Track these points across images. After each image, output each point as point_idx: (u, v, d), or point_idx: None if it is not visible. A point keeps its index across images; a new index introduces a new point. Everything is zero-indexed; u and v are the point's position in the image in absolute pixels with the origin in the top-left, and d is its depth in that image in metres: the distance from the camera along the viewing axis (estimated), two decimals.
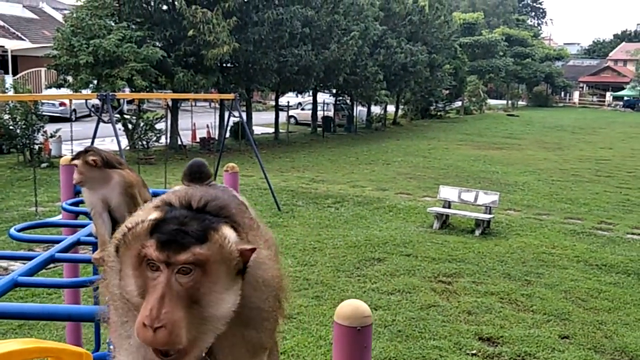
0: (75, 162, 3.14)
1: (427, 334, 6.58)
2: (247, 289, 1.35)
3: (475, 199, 11.59)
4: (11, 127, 16.55)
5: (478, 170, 19.29)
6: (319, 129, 29.47)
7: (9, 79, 23.03)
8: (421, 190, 15.51)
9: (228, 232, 1.33)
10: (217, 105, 20.35)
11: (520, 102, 62.34)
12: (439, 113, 42.11)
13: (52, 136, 17.88)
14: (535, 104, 62.92)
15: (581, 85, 71.29)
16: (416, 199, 14.41)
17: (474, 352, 6.20)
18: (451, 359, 6.00)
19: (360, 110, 33.50)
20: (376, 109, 35.33)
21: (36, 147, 17.27)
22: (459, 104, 46.03)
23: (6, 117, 16.53)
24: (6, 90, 18.76)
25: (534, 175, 18.56)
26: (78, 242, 3.28)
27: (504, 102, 58.93)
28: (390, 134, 30.94)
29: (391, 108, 36.90)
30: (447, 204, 11.84)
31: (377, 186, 15.87)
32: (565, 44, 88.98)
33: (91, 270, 3.82)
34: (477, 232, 11.15)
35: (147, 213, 1.35)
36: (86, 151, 3.20)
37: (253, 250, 1.34)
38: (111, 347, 2.16)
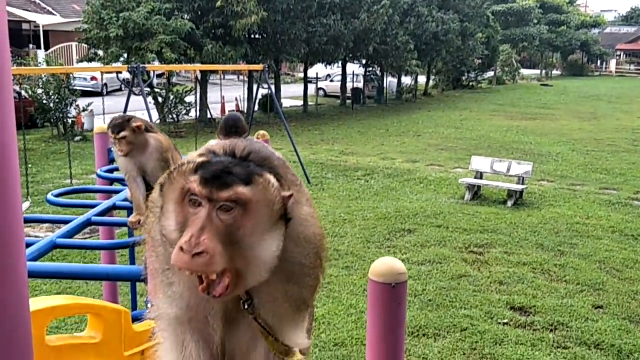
0: (123, 134, 3.07)
1: (458, 303, 6.56)
2: (289, 243, 1.35)
3: (508, 169, 11.42)
4: (45, 102, 16.82)
5: (511, 141, 18.98)
6: (348, 101, 29.24)
7: (41, 54, 23.34)
8: (453, 161, 15.34)
9: (272, 179, 1.34)
10: (246, 78, 20.32)
11: (554, 72, 60.88)
12: (471, 83, 41.39)
13: (84, 110, 18.13)
14: (570, 73, 61.35)
15: (618, 53, 69.20)
16: (447, 170, 14.26)
17: (505, 321, 6.16)
18: (482, 328, 5.98)
19: (390, 82, 33.11)
20: (407, 80, 34.88)
21: (69, 121, 17.54)
22: (491, 74, 45.12)
23: (40, 91, 16.79)
24: (39, 65, 19.02)
25: (568, 146, 18.19)
26: (114, 207, 3.33)
27: (538, 71, 57.59)
28: (422, 105, 30.58)
29: (422, 79, 36.40)
30: (479, 175, 11.70)
31: (408, 158, 15.75)
32: (602, 11, 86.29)
33: (127, 234, 3.89)
34: (510, 203, 11.01)
35: (192, 159, 1.36)
36: (128, 119, 3.18)
37: (291, 196, 1.34)
38: (148, 305, 2.20)
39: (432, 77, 37.79)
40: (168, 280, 1.38)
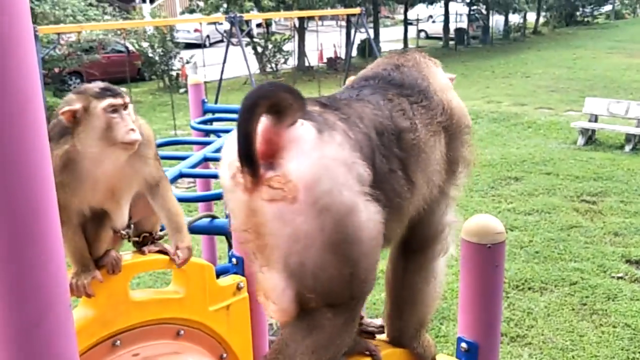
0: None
1: (568, 255, 6.20)
2: None
3: (626, 111, 10.52)
4: (150, 55, 17.41)
5: (630, 80, 17.48)
6: (451, 42, 28.09)
7: (146, 8, 24.11)
8: (564, 104, 14.40)
9: None
10: (344, 23, 19.96)
11: None
12: (585, 19, 38.35)
13: (187, 62, 18.62)
14: None
15: None
16: (558, 113, 13.41)
17: (619, 275, 5.75)
18: (594, 282, 5.61)
19: (496, 20, 31.37)
20: (514, 18, 32.87)
21: (174, 73, 18.10)
22: (609, 7, 41.50)
23: (145, 45, 17.38)
24: (144, 19, 19.67)
25: None
26: (205, 159, 3.32)
27: None
28: (530, 44, 28.80)
29: (531, 16, 34.18)
30: (594, 118, 10.89)
31: (515, 101, 14.95)
32: None
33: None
34: (627, 148, 10.20)
35: None
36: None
37: None
38: (233, 259, 2.17)
39: (543, 14, 35.37)
40: None
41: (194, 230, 2.37)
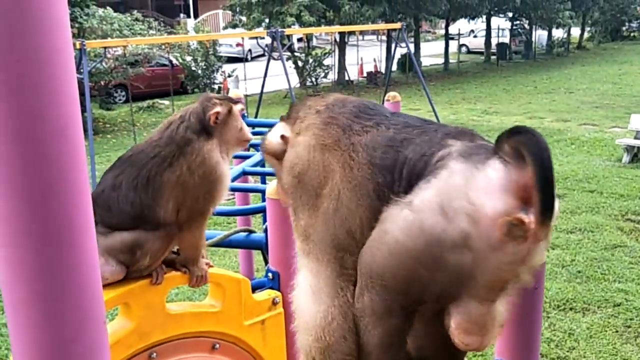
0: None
1: (611, 275, 6.02)
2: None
3: None
4: (193, 68, 17.72)
5: None
6: (492, 57, 27.77)
7: (190, 22, 24.60)
8: (609, 120, 14.05)
9: (272, 131, 1.78)
10: (384, 38, 19.97)
11: None
12: (632, 34, 37.42)
13: (229, 76, 18.88)
14: None
15: None
16: (603, 130, 13.09)
17: None
18: (639, 304, 5.43)
19: (539, 35, 30.90)
20: (558, 33, 32.33)
21: (216, 86, 18.38)
22: None
23: (189, 58, 17.71)
24: (188, 33, 20.06)
25: None
26: (243, 173, 3.35)
27: None
28: (574, 59, 28.27)
29: (576, 31, 33.57)
30: None
31: (558, 117, 14.67)
32: None
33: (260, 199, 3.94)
34: None
35: None
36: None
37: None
38: (269, 274, 2.18)
39: (587, 29, 34.70)
40: None
41: (231, 244, 2.39)
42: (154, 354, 1.77)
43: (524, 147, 1.26)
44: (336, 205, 1.50)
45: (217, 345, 1.91)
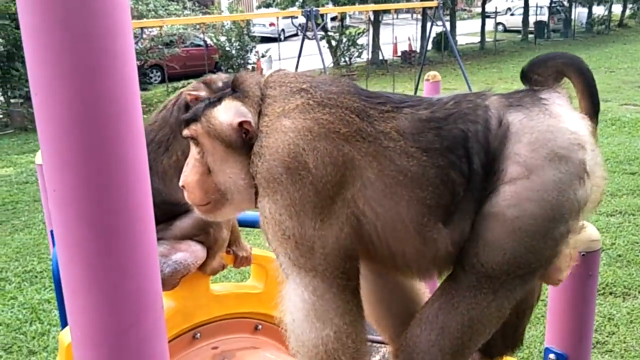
0: None
1: None
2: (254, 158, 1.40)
3: None
4: (227, 48, 17.75)
5: None
6: (530, 35, 27.13)
7: (224, 2, 24.59)
8: None
9: (219, 112, 1.43)
10: (419, 16, 19.66)
11: None
12: None
13: (263, 56, 18.86)
14: None
15: None
16: None
17: None
18: None
19: (579, 12, 30.04)
20: (599, 10, 31.39)
21: (250, 66, 18.39)
22: None
23: (223, 38, 17.74)
24: (222, 13, 20.06)
25: None
26: None
27: None
28: (615, 37, 27.43)
29: (617, 8, 32.53)
30: None
31: (599, 97, 14.30)
32: None
33: None
34: None
35: None
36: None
37: (244, 122, 1.39)
38: None
39: (629, 6, 33.58)
40: None
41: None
42: (198, 334, 1.78)
43: (569, 66, 1.47)
44: (368, 206, 1.32)
45: (260, 326, 1.92)
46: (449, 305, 1.35)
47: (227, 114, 1.41)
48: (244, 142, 1.40)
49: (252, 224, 1.87)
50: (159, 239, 1.51)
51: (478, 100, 1.40)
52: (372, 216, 1.34)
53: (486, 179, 1.33)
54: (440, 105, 1.39)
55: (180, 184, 1.46)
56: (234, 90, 1.46)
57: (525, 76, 1.48)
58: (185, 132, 1.46)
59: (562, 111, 1.37)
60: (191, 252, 1.65)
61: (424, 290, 1.66)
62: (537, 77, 1.45)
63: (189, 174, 1.46)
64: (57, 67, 0.62)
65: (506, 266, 1.31)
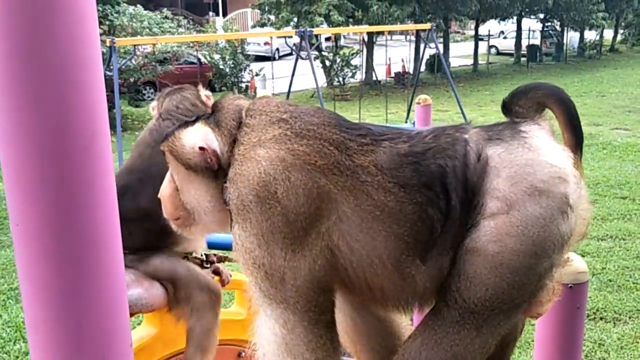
0: None
1: None
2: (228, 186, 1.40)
3: None
4: (221, 67, 17.81)
5: None
6: (523, 58, 27.41)
7: (219, 21, 24.74)
8: None
9: (185, 136, 1.43)
10: (413, 38, 19.83)
11: None
12: None
13: (257, 74, 18.94)
14: None
15: None
16: (636, 135, 12.83)
17: None
18: None
19: (571, 37, 30.41)
20: (590, 35, 31.78)
21: (243, 85, 18.44)
22: None
23: (217, 57, 17.81)
24: (216, 32, 20.18)
25: None
26: None
27: None
28: (607, 62, 27.76)
29: (608, 33, 32.95)
30: None
31: (589, 121, 14.40)
32: None
33: None
34: None
35: None
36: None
37: (203, 149, 1.39)
38: None
39: (621, 31, 34.03)
40: None
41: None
42: None
43: (549, 97, 1.43)
44: (343, 240, 1.29)
45: (243, 353, 1.88)
46: (432, 341, 1.32)
47: (193, 137, 1.42)
48: (209, 167, 1.41)
49: (224, 247, 1.85)
50: (128, 267, 1.49)
51: (457, 134, 1.38)
52: (347, 251, 1.31)
53: (465, 213, 1.31)
54: (419, 139, 1.37)
55: (159, 196, 1.50)
56: (213, 113, 1.47)
57: (506, 108, 1.45)
58: (161, 147, 1.49)
59: (542, 144, 1.35)
60: (150, 294, 1.61)
61: (405, 322, 1.62)
62: (518, 109, 1.42)
63: (163, 188, 1.49)
64: (22, 97, 0.60)
65: (489, 302, 1.28)
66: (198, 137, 1.41)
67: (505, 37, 32.60)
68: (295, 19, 19.00)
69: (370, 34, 19.93)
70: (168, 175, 1.48)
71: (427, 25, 13.27)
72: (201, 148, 1.39)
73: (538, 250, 1.27)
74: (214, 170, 1.40)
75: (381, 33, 18.37)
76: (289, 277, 1.29)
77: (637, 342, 4.94)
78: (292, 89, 12.07)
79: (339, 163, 1.31)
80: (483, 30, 28.52)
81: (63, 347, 0.66)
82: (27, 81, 0.60)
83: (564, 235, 1.29)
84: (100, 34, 9.75)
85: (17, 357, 4.61)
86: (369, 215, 1.30)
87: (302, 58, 11.50)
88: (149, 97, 18.27)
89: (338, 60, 20.23)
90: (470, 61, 26.08)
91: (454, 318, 1.30)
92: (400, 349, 1.38)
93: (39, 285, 0.66)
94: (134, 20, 14.97)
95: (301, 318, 1.31)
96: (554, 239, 1.28)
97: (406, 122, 11.68)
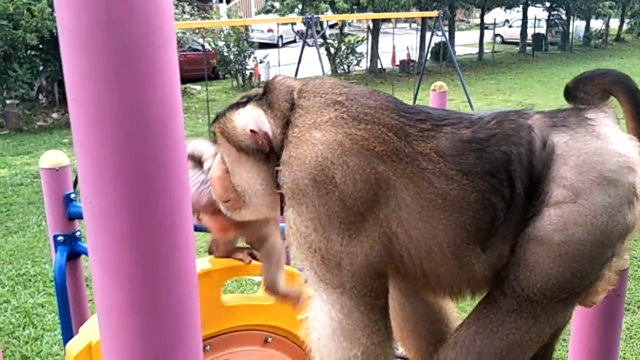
0: None
1: None
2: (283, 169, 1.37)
3: None
4: (225, 54, 17.73)
5: None
6: (528, 47, 27.25)
7: (223, 7, 24.60)
8: None
9: (236, 117, 1.40)
10: (419, 26, 19.71)
11: None
12: None
13: (261, 62, 18.85)
14: None
15: None
16: None
17: None
18: None
19: (577, 26, 30.21)
20: (596, 24, 31.58)
21: (247, 72, 18.37)
22: None
23: (221, 44, 17.72)
24: (220, 18, 20.06)
25: None
26: None
27: None
28: (612, 51, 27.61)
29: (614, 22, 32.74)
30: None
31: None
32: None
33: None
34: None
35: None
36: None
37: (254, 132, 1.36)
38: None
39: (627, 20, 33.81)
40: None
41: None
42: (208, 346, 1.73)
43: (617, 84, 1.41)
44: (402, 228, 1.28)
45: (270, 339, 1.87)
46: (487, 330, 1.30)
47: (245, 119, 1.39)
48: (260, 150, 1.37)
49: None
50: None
51: (521, 119, 1.35)
52: (405, 238, 1.29)
53: (529, 201, 1.29)
54: (481, 124, 1.34)
55: (207, 177, 1.50)
56: (265, 95, 1.43)
57: (569, 94, 1.43)
58: (212, 128, 1.47)
59: (609, 132, 1.33)
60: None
61: (452, 309, 1.61)
62: (583, 95, 1.40)
63: (213, 169, 1.47)
64: (99, 72, 0.58)
65: (549, 291, 1.27)
66: (249, 119, 1.38)
67: (510, 26, 32.40)
68: (300, 6, 18.88)
69: (375, 21, 19.82)
70: (218, 156, 1.46)
71: (435, 13, 13.18)
72: (252, 131, 1.37)
73: (605, 240, 1.25)
74: (266, 152, 1.37)
75: (386, 21, 18.30)
76: (346, 263, 1.27)
77: None
78: (297, 77, 12.01)
79: (398, 150, 1.28)
80: (488, 18, 28.34)
81: (134, 332, 0.65)
82: (107, 58, 0.58)
83: (629, 225, 1.28)
84: None
85: (27, 342, 4.62)
86: (429, 203, 1.28)
87: (309, 45, 11.44)
88: None
89: (343, 47, 20.14)
90: (475, 50, 25.94)
91: (511, 307, 1.29)
92: (452, 337, 1.36)
93: (109, 269, 0.64)
94: None
95: (358, 303, 1.29)
96: (620, 228, 1.26)
97: None
